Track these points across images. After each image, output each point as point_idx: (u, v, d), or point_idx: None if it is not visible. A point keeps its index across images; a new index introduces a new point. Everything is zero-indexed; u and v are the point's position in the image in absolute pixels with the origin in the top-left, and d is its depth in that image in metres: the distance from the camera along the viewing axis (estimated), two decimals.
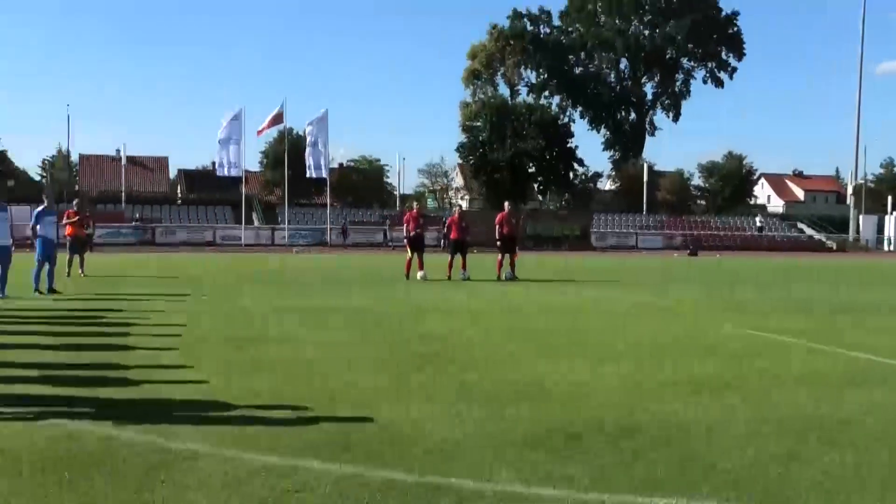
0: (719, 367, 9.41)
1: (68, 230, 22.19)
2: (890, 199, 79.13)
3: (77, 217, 22.60)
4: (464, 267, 22.79)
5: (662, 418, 6.89)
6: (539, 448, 5.92)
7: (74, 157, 80.00)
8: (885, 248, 65.70)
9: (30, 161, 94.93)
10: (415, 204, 29.44)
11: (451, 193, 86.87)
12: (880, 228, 69.10)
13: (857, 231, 68.36)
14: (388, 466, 5.42)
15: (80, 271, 22.07)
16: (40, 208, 18.98)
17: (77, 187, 71.43)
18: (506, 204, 25.56)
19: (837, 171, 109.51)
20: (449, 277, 22.30)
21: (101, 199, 64.33)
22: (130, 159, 71.71)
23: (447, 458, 5.63)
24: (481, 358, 9.87)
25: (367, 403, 7.26)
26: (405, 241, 24.19)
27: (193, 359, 9.44)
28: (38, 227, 18.21)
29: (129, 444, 5.82)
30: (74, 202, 24.38)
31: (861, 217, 69.97)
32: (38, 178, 79.81)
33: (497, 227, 23.67)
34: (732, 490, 5.08)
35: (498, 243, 23.72)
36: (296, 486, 4.98)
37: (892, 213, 70.17)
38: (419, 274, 22.34)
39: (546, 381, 8.46)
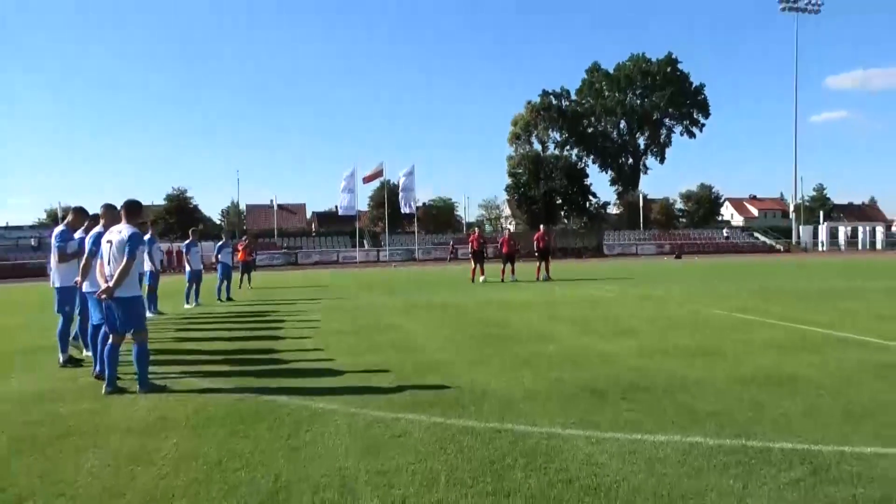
0: (704, 339, 9.13)
1: (240, 256, 22.70)
2: (822, 213, 77.05)
3: (247, 247, 23.14)
4: (513, 272, 22.63)
5: (663, 377, 6.71)
6: (572, 401, 5.80)
7: (242, 206, 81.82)
8: (819, 249, 63.61)
9: (212, 210, 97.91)
10: (476, 228, 29.36)
11: (502, 220, 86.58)
12: (815, 235, 67.10)
13: (798, 237, 66.36)
14: (463, 416, 5.38)
15: (248, 285, 22.48)
16: (221, 242, 19.43)
17: (245, 227, 72.91)
18: (541, 226, 25.35)
19: (782, 194, 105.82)
20: (502, 280, 22.14)
21: (260, 235, 65.51)
22: (280, 206, 73.02)
23: (505, 410, 5.56)
24: (529, 336, 9.74)
25: (448, 371, 7.22)
26: (470, 254, 24.15)
27: (326, 343, 9.51)
28: (219, 255, 18.64)
29: (283, 405, 5.88)
30: (244, 238, 24.91)
31: (801, 227, 67.99)
32: (218, 221, 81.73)
33: (535, 242, 23.52)
34: (716, 427, 4.92)
35: (536, 254, 23.57)
36: (399, 432, 4.97)
37: (822, 224, 68.22)
38: (481, 278, 22.24)
39: (578, 351, 8.31)
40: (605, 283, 21.53)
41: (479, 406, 5.69)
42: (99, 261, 6.84)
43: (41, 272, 46.44)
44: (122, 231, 6.66)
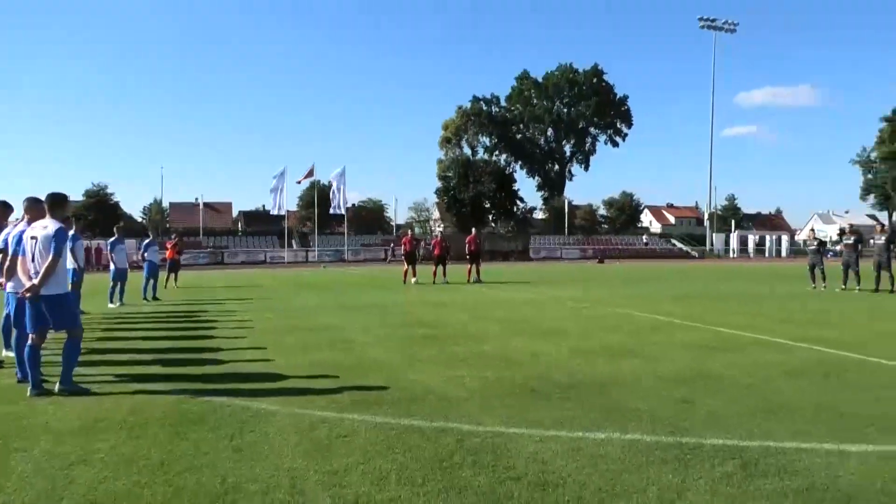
0: (629, 339, 9.42)
1: (168, 254, 21.99)
2: (732, 222, 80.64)
3: (175, 246, 22.42)
4: (444, 274, 22.75)
5: (594, 375, 6.89)
6: (512, 399, 5.90)
7: (166, 204, 79.19)
8: (730, 255, 66.54)
9: (133, 207, 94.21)
10: (409, 230, 29.38)
11: (431, 223, 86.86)
12: (727, 242, 70.16)
13: (712, 244, 69.22)
14: (409, 416, 5.38)
15: (175, 284, 21.78)
16: (147, 240, 18.73)
17: (168, 225, 70.51)
18: (472, 229, 25.59)
19: (697, 203, 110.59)
20: (434, 282, 22.22)
21: (185, 233, 63.57)
22: (206, 204, 70.96)
23: (449, 409, 5.60)
24: (464, 336, 9.81)
25: (389, 371, 7.21)
26: (402, 256, 24.13)
27: (262, 343, 9.31)
28: (145, 253, 17.98)
29: (223, 405, 5.74)
30: (173, 236, 24.13)
31: (714, 235, 70.95)
32: (139, 219, 78.72)
33: (467, 245, 23.74)
34: (649, 424, 5.09)
35: (467, 256, 23.78)
36: (345, 432, 4.93)
37: (734, 232, 71.42)
38: (413, 279, 22.26)
39: (512, 351, 8.44)
40: (533, 286, 21.91)
41: (422, 405, 5.70)
42: (21, 258, 6.50)
43: None
44: (47, 226, 6.34)
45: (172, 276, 22.02)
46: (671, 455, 4.37)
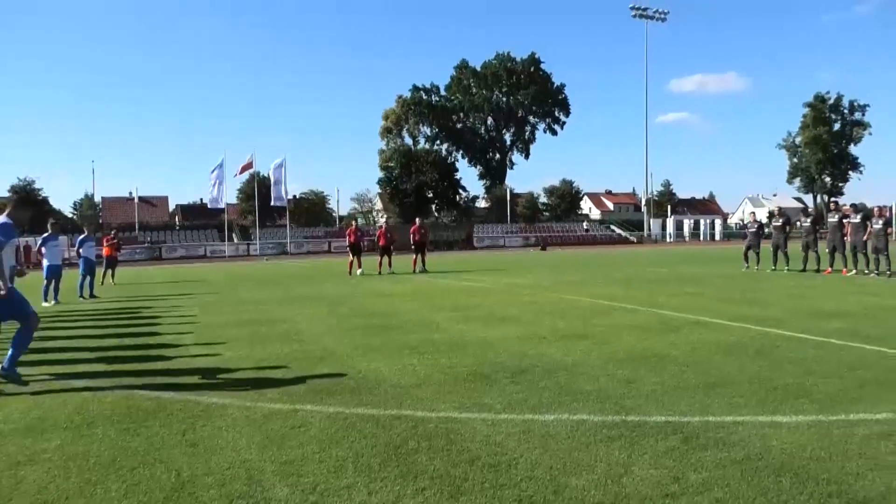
0: (575, 324, 9.66)
1: (106, 251, 21.29)
2: (668, 207, 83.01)
3: (113, 242, 21.71)
4: (390, 265, 22.74)
5: (543, 360, 7.06)
6: (463, 385, 6.00)
7: (98, 198, 76.50)
8: (667, 240, 68.48)
9: (63, 202, 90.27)
10: (353, 222, 29.23)
11: (374, 213, 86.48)
12: (663, 227, 72.14)
13: (649, 229, 71.05)
14: (362, 405, 5.42)
15: (112, 281, 21.13)
16: (82, 236, 18.11)
17: (101, 220, 68.21)
18: (416, 219, 25.61)
19: (634, 189, 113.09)
20: (379, 273, 22.20)
21: (119, 229, 61.64)
22: (141, 198, 68.83)
23: (402, 396, 5.67)
24: (413, 325, 9.88)
25: (339, 361, 7.22)
26: (347, 247, 23.97)
27: (208, 338, 9.18)
28: (80, 249, 17.40)
29: (173, 401, 5.67)
30: (112, 231, 23.37)
31: (651, 220, 72.83)
32: (70, 215, 75.85)
33: (411, 235, 23.77)
34: (596, 404, 5.27)
35: (412, 247, 23.82)
36: (299, 423, 4.95)
37: (670, 217, 73.54)
38: (358, 271, 22.17)
39: (461, 338, 8.55)
40: (479, 274, 22.13)
41: (375, 394, 5.75)
42: None
43: None
44: None
45: (109, 272, 21.35)
46: (617, 433, 4.54)
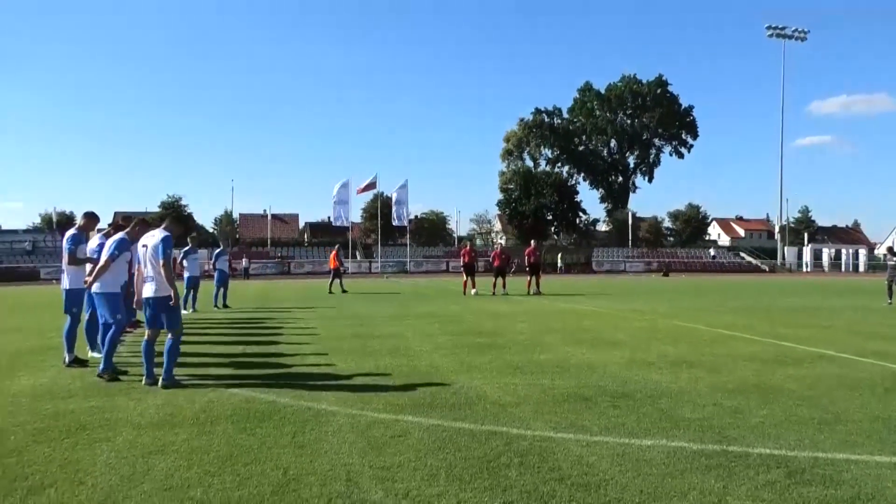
0: (685, 351, 9.38)
1: (332, 263, 25.44)
2: (806, 235, 77.94)
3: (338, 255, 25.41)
4: (504, 286, 22.88)
5: (647, 385, 6.94)
6: (562, 406, 6.02)
7: (235, 215, 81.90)
8: (804, 269, 64.30)
9: (205, 218, 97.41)
10: (468, 242, 29.67)
11: (493, 235, 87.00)
12: (799, 256, 67.90)
13: (783, 258, 67.07)
14: (460, 419, 5.58)
15: (342, 289, 23.77)
16: (218, 250, 19.57)
17: (238, 236, 72.97)
18: (532, 241, 25.66)
19: (768, 215, 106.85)
20: (493, 293, 22.38)
21: (253, 244, 65.83)
22: (273, 216, 73.05)
23: (499, 413, 5.77)
24: (520, 345, 9.95)
25: (444, 377, 7.43)
26: (462, 267, 24.36)
27: (325, 349, 9.69)
28: (216, 263, 18.79)
29: (287, 405, 6.07)
30: (336, 246, 27.04)
31: (785, 248, 68.73)
32: (211, 230, 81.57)
33: (526, 257, 23.83)
34: (697, 433, 5.15)
35: (527, 268, 23.85)
36: (399, 432, 5.16)
37: (807, 245, 69.08)
38: (472, 291, 22.46)
39: (566, 360, 8.54)
40: (593, 298, 21.80)
41: (474, 409, 5.90)
42: (138, 265, 7.28)
43: (34, 275, 46.35)
44: (155, 235, 7.10)
45: (337, 281, 25.27)
46: (715, 462, 4.43)
